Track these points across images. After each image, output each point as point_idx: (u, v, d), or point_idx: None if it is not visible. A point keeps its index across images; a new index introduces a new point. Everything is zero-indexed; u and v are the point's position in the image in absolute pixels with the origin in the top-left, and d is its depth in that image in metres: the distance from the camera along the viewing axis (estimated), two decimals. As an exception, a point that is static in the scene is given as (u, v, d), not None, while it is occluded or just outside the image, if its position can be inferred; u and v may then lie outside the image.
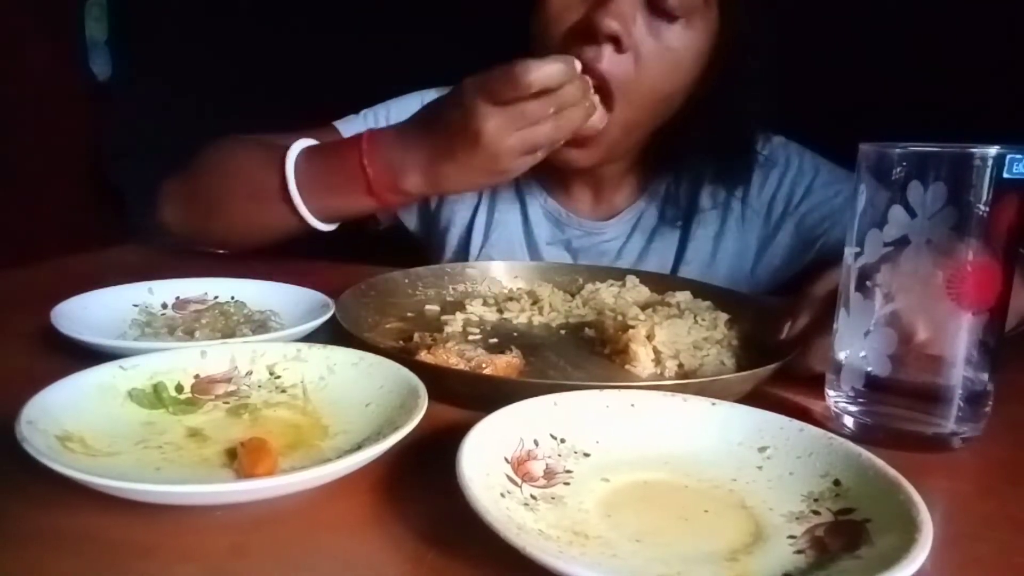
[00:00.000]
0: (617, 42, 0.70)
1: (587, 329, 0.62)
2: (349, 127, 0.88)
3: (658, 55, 0.72)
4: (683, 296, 0.65)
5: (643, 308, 0.61)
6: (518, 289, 0.73)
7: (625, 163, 0.86)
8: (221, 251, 0.85)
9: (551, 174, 0.87)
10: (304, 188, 0.73)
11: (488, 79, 0.64)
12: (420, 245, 0.98)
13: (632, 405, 0.41)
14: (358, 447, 0.37)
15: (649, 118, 0.77)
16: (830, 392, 0.46)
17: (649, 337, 0.54)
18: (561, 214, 0.89)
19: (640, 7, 0.70)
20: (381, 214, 0.77)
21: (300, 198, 0.73)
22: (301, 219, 0.74)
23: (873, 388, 0.44)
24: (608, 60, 0.70)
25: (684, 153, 0.83)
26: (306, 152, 0.75)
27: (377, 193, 0.71)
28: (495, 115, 0.64)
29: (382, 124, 0.87)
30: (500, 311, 0.66)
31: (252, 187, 0.76)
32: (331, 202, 0.74)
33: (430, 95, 0.91)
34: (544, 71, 0.62)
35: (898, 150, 0.41)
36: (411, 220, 0.97)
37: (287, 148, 0.74)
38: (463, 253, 0.91)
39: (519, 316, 0.65)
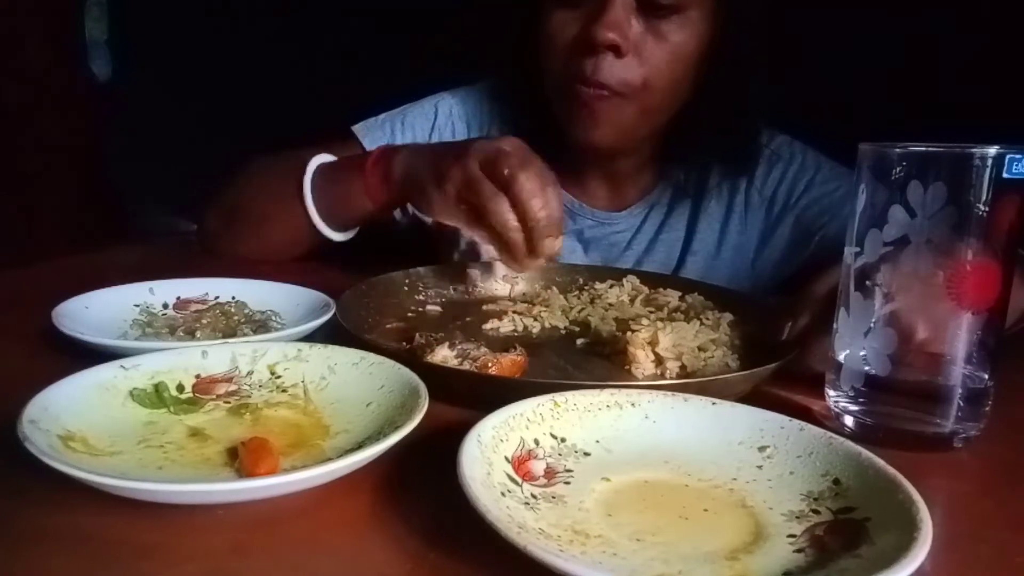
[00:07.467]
0: (616, 49, 0.73)
1: (587, 330, 0.62)
2: (367, 131, 0.90)
3: (658, 51, 0.75)
4: (690, 297, 0.66)
5: (644, 306, 0.61)
6: (524, 294, 0.73)
7: (640, 158, 0.89)
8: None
9: (567, 166, 0.90)
10: (317, 195, 0.77)
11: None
12: (434, 237, 0.98)
13: (632, 404, 0.41)
14: (359, 447, 0.37)
15: (660, 106, 0.80)
16: (830, 392, 0.47)
17: (652, 343, 0.54)
18: (574, 204, 0.91)
19: (633, 11, 0.74)
20: (375, 211, 0.79)
21: (312, 201, 0.77)
22: (315, 227, 0.78)
23: (873, 388, 0.44)
24: (609, 69, 0.74)
25: (694, 141, 0.85)
26: (321, 166, 0.79)
27: (369, 181, 0.74)
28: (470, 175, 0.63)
29: (398, 128, 0.91)
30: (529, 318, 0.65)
31: (277, 201, 0.81)
32: (336, 200, 0.77)
33: (445, 99, 0.94)
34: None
35: (898, 150, 0.42)
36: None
37: (307, 161, 0.78)
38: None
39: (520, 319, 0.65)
